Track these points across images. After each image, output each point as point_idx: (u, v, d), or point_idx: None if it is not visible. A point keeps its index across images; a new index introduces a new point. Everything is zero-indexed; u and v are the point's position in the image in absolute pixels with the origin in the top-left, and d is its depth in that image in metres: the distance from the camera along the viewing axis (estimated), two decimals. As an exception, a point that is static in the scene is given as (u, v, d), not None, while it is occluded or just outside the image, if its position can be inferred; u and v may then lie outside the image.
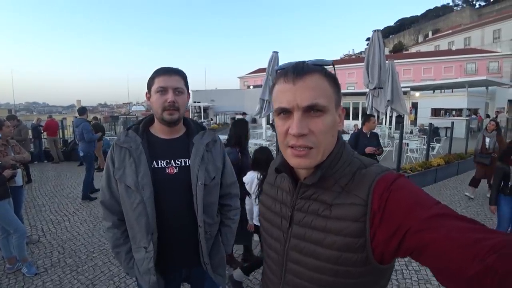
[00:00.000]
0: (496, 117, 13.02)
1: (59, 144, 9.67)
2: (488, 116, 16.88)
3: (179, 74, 1.23)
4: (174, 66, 1.26)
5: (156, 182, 1.17)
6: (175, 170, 1.22)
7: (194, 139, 1.28)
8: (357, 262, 0.60)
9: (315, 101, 0.60)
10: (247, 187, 2.48)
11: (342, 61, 41.32)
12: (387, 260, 0.59)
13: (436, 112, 18.36)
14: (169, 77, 1.18)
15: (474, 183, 5.42)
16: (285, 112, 0.63)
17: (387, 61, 7.69)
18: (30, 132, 8.56)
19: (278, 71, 0.67)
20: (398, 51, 54.73)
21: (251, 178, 2.45)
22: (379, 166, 0.65)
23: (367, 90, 7.23)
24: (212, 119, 23.42)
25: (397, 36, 68.26)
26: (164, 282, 1.24)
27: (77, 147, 9.09)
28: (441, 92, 20.60)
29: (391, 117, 14.27)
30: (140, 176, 1.14)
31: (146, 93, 1.25)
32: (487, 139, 5.20)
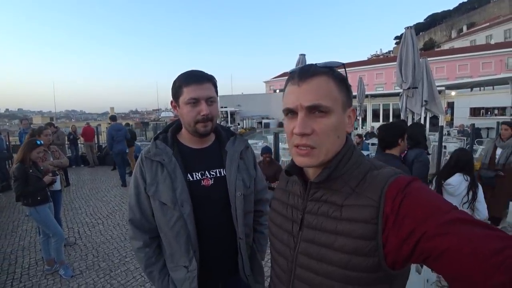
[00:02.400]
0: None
1: (95, 149, 10.24)
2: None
3: (210, 80, 1.12)
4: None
5: (193, 196, 1.10)
6: (210, 182, 1.16)
7: (227, 147, 1.21)
8: (368, 268, 0.57)
9: (318, 102, 0.61)
10: (452, 190, 2.50)
11: (370, 61, 39.91)
12: (399, 265, 0.56)
13: (475, 112, 17.12)
14: (201, 86, 1.08)
15: (493, 220, 3.39)
16: (291, 113, 0.65)
17: (421, 59, 7.26)
18: (66, 138, 9.12)
19: (289, 74, 0.69)
20: (429, 48, 51.90)
21: (458, 181, 2.49)
22: (392, 169, 0.63)
23: (400, 90, 6.84)
24: (239, 124, 23.69)
25: (428, 33, 64.74)
26: None
27: (111, 150, 9.72)
28: (480, 90, 19.16)
29: (425, 118, 13.52)
30: (177, 192, 1.07)
31: (172, 102, 1.15)
32: (499, 150, 3.61)
